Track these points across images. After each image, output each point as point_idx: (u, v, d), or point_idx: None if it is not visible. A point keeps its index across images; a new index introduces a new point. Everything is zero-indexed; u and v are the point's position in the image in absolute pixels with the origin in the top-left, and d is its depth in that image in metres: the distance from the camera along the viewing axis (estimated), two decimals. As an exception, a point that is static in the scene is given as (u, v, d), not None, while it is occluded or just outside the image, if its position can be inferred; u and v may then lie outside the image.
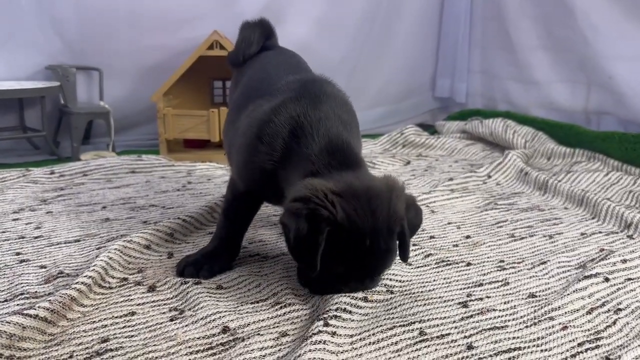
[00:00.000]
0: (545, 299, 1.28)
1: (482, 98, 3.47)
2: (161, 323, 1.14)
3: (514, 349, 1.07)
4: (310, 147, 1.20)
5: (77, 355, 1.02)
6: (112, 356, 1.02)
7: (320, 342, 1.02)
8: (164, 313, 1.19)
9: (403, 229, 1.16)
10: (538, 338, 1.11)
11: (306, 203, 1.10)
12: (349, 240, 1.10)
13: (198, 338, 1.08)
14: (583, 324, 1.17)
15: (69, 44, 2.69)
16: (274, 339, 1.08)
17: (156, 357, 1.02)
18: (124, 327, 1.13)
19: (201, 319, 1.15)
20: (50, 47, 2.67)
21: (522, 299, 1.27)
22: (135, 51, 2.79)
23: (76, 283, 1.21)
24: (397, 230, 1.15)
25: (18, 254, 1.46)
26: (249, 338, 1.07)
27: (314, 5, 3.16)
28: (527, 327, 1.15)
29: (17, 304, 1.19)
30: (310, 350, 0.99)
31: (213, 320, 1.14)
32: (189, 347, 1.06)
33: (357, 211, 1.11)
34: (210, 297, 1.24)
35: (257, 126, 1.25)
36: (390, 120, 3.43)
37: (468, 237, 1.64)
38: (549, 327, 1.15)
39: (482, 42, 3.45)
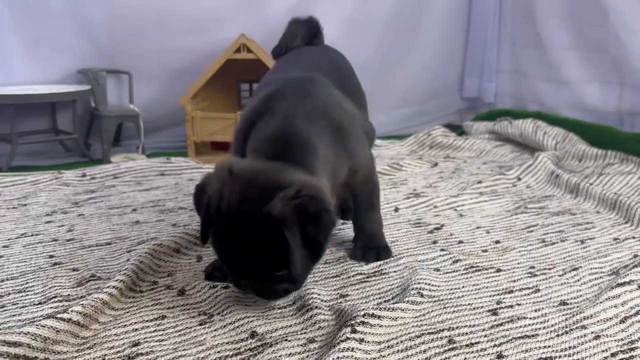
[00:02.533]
0: (577, 306, 1.25)
1: (512, 98, 3.42)
2: (190, 327, 1.16)
3: (545, 359, 1.05)
4: (256, 139, 1.24)
5: (108, 358, 1.04)
6: (143, 360, 1.03)
7: (348, 349, 1.02)
8: (193, 317, 1.20)
9: (280, 231, 1.05)
10: (569, 347, 1.09)
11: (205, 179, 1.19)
12: (214, 220, 1.12)
13: (227, 343, 1.09)
14: (616, 333, 1.14)
15: (100, 47, 2.74)
16: (301, 345, 1.08)
17: (187, 358, 1.03)
18: (154, 330, 1.14)
19: (229, 323, 1.16)
20: (81, 51, 2.72)
21: (553, 306, 1.25)
22: (163, 54, 2.83)
23: (108, 287, 1.23)
24: (270, 229, 1.06)
25: (51, 256, 1.50)
26: (277, 344, 1.08)
27: (342, 6, 3.16)
28: (558, 336, 1.13)
29: (51, 307, 1.21)
30: (338, 358, 0.99)
31: (241, 325, 1.15)
32: (218, 351, 1.07)
33: (226, 193, 1.10)
34: (238, 301, 1.25)
35: (240, 120, 1.35)
36: (416, 121, 3.41)
37: (497, 242, 1.62)
38: (581, 337, 1.12)
39: (511, 41, 3.40)
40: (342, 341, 1.04)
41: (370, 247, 1.47)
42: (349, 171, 1.35)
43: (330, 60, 1.63)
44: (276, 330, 1.14)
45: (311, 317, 1.18)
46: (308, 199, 1.09)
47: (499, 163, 2.64)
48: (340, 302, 1.25)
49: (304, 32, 1.74)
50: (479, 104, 3.60)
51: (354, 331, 1.07)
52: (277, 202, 1.06)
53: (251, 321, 1.16)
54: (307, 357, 1.05)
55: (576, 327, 1.15)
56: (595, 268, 1.44)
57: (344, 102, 1.39)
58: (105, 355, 1.05)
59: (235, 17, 2.91)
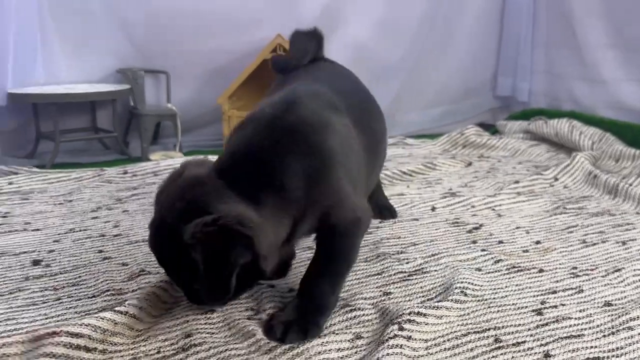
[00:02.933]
0: (622, 307, 1.25)
1: (546, 97, 3.39)
2: (239, 320, 1.18)
3: (593, 359, 1.06)
4: (225, 151, 1.18)
5: (163, 350, 1.08)
6: (197, 351, 1.07)
7: (396, 346, 1.04)
8: (240, 312, 1.23)
9: (185, 248, 1.02)
10: (617, 348, 1.09)
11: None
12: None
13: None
14: (664, 335, 1.14)
15: (138, 47, 2.80)
16: (349, 341, 1.10)
17: (238, 355, 1.06)
18: (205, 323, 1.18)
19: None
20: (120, 51, 2.79)
21: (598, 307, 1.25)
22: (199, 55, 2.88)
23: (160, 281, 1.27)
24: (182, 248, 1.02)
25: (100, 251, 1.55)
26: (325, 337, 1.10)
27: (374, 6, 3.18)
28: (604, 336, 1.13)
29: (104, 300, 1.26)
30: (388, 354, 1.01)
31: (287, 323, 1.18)
32: (268, 342, 1.09)
33: (161, 200, 1.13)
34: (283, 299, 1.28)
35: None
36: (449, 120, 3.41)
37: (538, 242, 1.62)
38: (628, 337, 1.12)
39: (546, 40, 3.37)
40: (390, 338, 1.06)
41: (296, 321, 1.13)
42: (317, 212, 1.13)
43: (352, 90, 1.47)
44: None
45: (355, 315, 1.20)
46: (222, 230, 1.01)
47: (534, 163, 2.62)
48: (384, 300, 1.27)
49: (314, 47, 1.59)
50: (512, 103, 3.58)
51: (401, 329, 1.09)
52: (191, 226, 1.02)
53: (297, 317, 1.19)
54: (355, 352, 1.07)
55: (623, 328, 1.15)
56: (639, 269, 1.43)
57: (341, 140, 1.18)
58: (160, 347, 1.09)
59: (271, 18, 2.94)
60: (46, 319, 1.19)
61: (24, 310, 1.22)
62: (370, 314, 1.20)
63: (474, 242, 1.61)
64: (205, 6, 2.86)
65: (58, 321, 1.15)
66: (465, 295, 1.26)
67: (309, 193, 1.10)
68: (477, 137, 2.91)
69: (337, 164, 1.14)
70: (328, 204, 1.13)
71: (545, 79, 3.39)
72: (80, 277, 1.39)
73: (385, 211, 1.82)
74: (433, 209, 1.90)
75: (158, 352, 1.07)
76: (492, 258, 1.49)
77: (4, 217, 1.82)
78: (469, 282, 1.32)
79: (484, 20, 3.48)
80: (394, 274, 1.40)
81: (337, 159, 1.14)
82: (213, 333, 1.14)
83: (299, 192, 1.09)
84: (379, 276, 1.40)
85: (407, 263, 1.46)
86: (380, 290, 1.32)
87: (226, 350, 1.07)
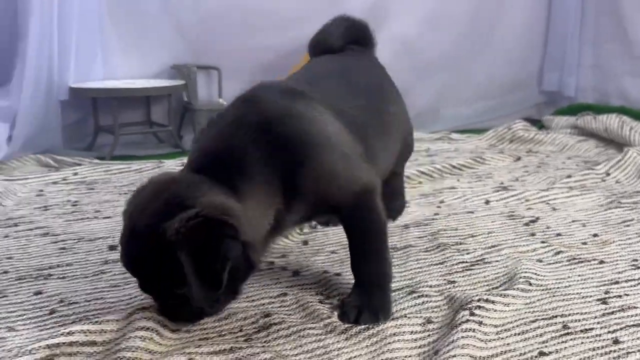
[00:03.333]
0: (687, 299, 1.26)
1: (594, 92, 3.37)
2: (311, 303, 1.24)
3: (662, 347, 1.08)
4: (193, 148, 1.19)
5: (245, 328, 1.15)
6: (278, 330, 1.13)
7: (469, 330, 1.08)
8: (311, 295, 1.29)
9: (168, 248, 0.98)
10: (685, 338, 1.11)
11: None
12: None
13: (348, 321, 1.17)
14: None
15: (192, 45, 2.89)
16: (420, 325, 1.15)
17: (316, 334, 1.12)
18: (280, 305, 1.24)
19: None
20: (174, 48, 2.89)
21: (663, 298, 1.27)
22: (249, 51, 2.96)
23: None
24: (165, 248, 0.98)
25: (171, 238, 1.62)
26: (397, 320, 1.15)
27: (420, 1, 3.20)
28: (672, 326, 1.15)
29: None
30: (462, 337, 1.05)
31: (357, 309, 1.23)
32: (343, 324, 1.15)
33: (133, 205, 1.08)
34: (350, 285, 1.33)
35: None
36: (494, 115, 3.40)
37: (596, 235, 1.63)
38: (696, 328, 1.14)
39: (594, 35, 3.34)
40: (463, 322, 1.10)
41: (366, 305, 1.16)
42: (307, 198, 1.13)
43: (349, 80, 1.40)
44: (392, 312, 1.21)
45: (423, 301, 1.24)
46: (207, 222, 0.99)
47: (583, 158, 2.62)
48: (449, 288, 1.31)
49: (341, 33, 1.57)
50: (558, 98, 3.55)
51: (472, 314, 1.13)
52: (174, 222, 0.98)
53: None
54: (427, 335, 1.12)
55: (690, 319, 1.17)
56: (701, 263, 1.44)
57: (316, 124, 1.18)
58: (242, 325, 1.16)
59: (317, 14, 2.97)
60: (130, 299, 1.27)
61: (109, 291, 1.30)
62: (438, 300, 1.25)
63: (532, 234, 1.63)
64: (254, 4, 2.94)
65: (143, 299, 1.22)
66: (530, 284, 1.30)
67: (288, 181, 1.10)
68: (525, 132, 2.92)
69: (314, 148, 1.12)
70: (319, 187, 1.12)
71: (593, 74, 3.36)
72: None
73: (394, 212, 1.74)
74: (487, 202, 1.93)
75: (240, 330, 1.14)
76: (552, 250, 1.51)
77: (74, 205, 1.93)
78: (532, 272, 1.35)
79: (529, 15, 3.47)
80: (456, 264, 1.44)
81: (311, 144, 1.12)
82: (290, 314, 1.20)
83: (275, 181, 1.09)
84: (441, 265, 1.44)
85: (467, 254, 1.50)
86: (445, 279, 1.36)
87: (304, 329, 1.13)
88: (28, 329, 1.15)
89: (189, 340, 1.10)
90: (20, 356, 0.96)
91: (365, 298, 1.17)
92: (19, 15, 2.47)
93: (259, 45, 2.95)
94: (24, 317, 1.19)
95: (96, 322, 1.07)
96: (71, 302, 1.25)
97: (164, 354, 1.04)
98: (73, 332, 1.03)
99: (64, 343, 1.00)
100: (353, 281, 1.33)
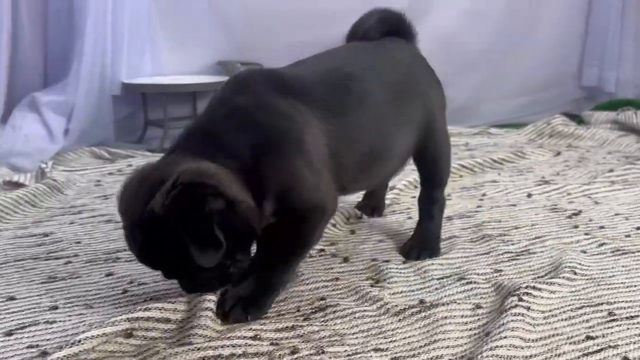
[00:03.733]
0: None
1: (635, 87, 3.34)
2: (363, 287, 1.31)
3: None
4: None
5: (303, 309, 1.22)
6: (334, 311, 1.20)
7: (518, 314, 1.13)
8: (362, 281, 1.36)
9: (170, 226, 1.03)
10: None
11: None
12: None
13: (398, 305, 1.23)
14: None
15: (236, 41, 2.99)
16: (470, 309, 1.21)
17: (370, 315, 1.19)
18: (333, 290, 1.31)
19: (398, 292, 1.30)
20: (220, 45, 2.98)
21: None
22: (290, 47, 3.01)
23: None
24: (160, 226, 1.03)
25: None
26: (448, 305, 1.21)
27: (460, -5, 3.23)
28: None
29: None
30: (511, 321, 1.11)
31: (408, 293, 1.29)
32: (395, 305, 1.22)
33: (123, 196, 1.13)
34: (399, 272, 1.40)
35: None
36: (532, 110, 3.41)
37: (639, 228, 1.66)
38: None
39: (635, 29, 3.31)
40: (512, 307, 1.15)
41: (244, 298, 1.18)
42: (274, 191, 1.14)
43: (361, 74, 1.34)
44: (442, 298, 1.27)
45: (472, 288, 1.30)
46: (186, 187, 1.03)
47: (624, 153, 2.62)
48: (496, 277, 1.36)
49: (375, 23, 1.53)
50: (598, 93, 3.54)
51: (520, 300, 1.18)
52: (157, 198, 1.03)
53: (416, 291, 1.31)
54: (477, 319, 1.18)
55: None
56: None
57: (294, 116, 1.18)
58: (299, 306, 1.23)
59: (357, 11, 3.04)
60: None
61: (174, 274, 1.39)
62: (486, 287, 1.30)
63: (576, 226, 1.67)
64: (296, 2, 3.01)
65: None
66: (575, 274, 1.34)
67: (261, 167, 1.12)
68: (564, 127, 2.92)
69: (284, 146, 1.14)
70: (283, 185, 1.14)
71: (635, 68, 3.34)
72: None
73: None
74: (529, 195, 1.97)
75: (298, 311, 1.22)
76: (595, 241, 1.55)
77: (132, 195, 2.03)
78: (577, 262, 1.39)
79: (569, 9, 3.46)
80: (502, 254, 1.49)
81: (284, 142, 1.14)
82: (343, 297, 1.28)
83: (250, 163, 1.11)
84: (487, 255, 1.49)
85: (512, 244, 1.54)
86: (491, 268, 1.41)
87: (359, 311, 1.20)
88: (104, 306, 1.25)
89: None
90: (105, 327, 1.06)
91: (250, 292, 1.18)
92: (75, 16, 2.60)
93: (300, 41, 3.01)
94: (99, 295, 1.30)
95: (170, 301, 1.16)
96: (140, 282, 1.35)
97: (231, 329, 1.12)
98: (150, 309, 1.12)
99: (141, 318, 1.09)
100: (402, 267, 1.40)
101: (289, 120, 1.17)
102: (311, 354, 1.05)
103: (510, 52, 3.35)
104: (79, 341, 1.02)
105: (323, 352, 1.06)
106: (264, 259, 1.21)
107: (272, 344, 1.08)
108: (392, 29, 1.54)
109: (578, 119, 3.24)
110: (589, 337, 1.10)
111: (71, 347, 1.01)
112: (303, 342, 1.09)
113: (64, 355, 0.99)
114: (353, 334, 1.13)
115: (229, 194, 1.07)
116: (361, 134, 1.29)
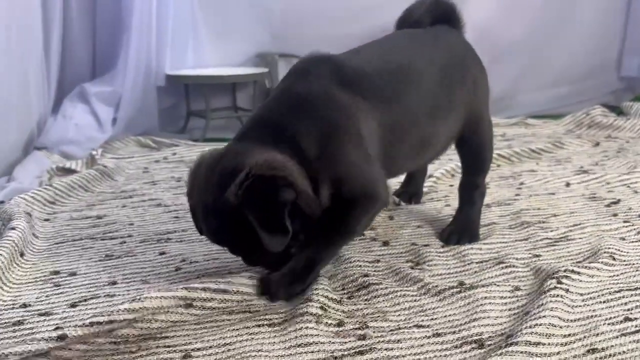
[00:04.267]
0: None
1: (677, 78, 3.28)
2: (403, 269, 1.35)
3: None
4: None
5: (347, 287, 1.28)
6: (376, 289, 1.25)
7: (557, 295, 1.17)
8: (403, 263, 1.41)
9: (236, 211, 1.11)
10: None
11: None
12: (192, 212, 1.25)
13: (438, 285, 1.27)
14: None
15: (275, 34, 3.05)
16: (509, 291, 1.24)
17: (411, 295, 1.24)
18: (374, 270, 1.36)
19: (437, 274, 1.34)
20: (259, 37, 3.05)
21: None
22: (326, 40, 3.05)
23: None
24: (234, 213, 1.11)
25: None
26: (487, 286, 1.25)
27: (498, -16, 3.22)
28: None
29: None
30: (550, 301, 1.14)
31: (447, 277, 1.33)
32: (436, 285, 1.26)
33: (194, 184, 1.22)
34: (439, 256, 1.44)
35: None
36: (571, 100, 3.38)
37: (680, 217, 1.66)
38: None
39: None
40: (551, 289, 1.19)
41: (283, 277, 1.24)
42: (329, 177, 1.22)
43: (411, 61, 1.38)
44: (481, 280, 1.31)
45: (511, 271, 1.33)
46: (260, 178, 1.11)
47: (665, 144, 2.59)
48: (535, 261, 1.39)
49: (425, 11, 1.55)
50: (638, 84, 3.48)
51: (559, 282, 1.21)
52: (232, 188, 1.11)
53: (456, 273, 1.35)
54: (516, 300, 1.21)
55: None
56: None
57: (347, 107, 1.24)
58: (343, 284, 1.29)
59: (394, 3, 3.06)
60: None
61: (222, 252, 1.45)
62: (525, 271, 1.33)
63: (615, 215, 1.68)
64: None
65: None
66: (614, 259, 1.36)
67: (319, 156, 1.19)
68: (603, 118, 2.90)
69: (343, 137, 1.21)
70: (339, 174, 1.21)
71: (677, 59, 3.28)
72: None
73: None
74: (567, 184, 1.98)
75: (343, 289, 1.28)
76: (634, 229, 1.56)
77: (178, 181, 2.12)
78: (615, 249, 1.41)
79: (609, -1, 3.42)
80: (540, 240, 1.52)
81: (343, 133, 1.21)
82: (384, 278, 1.33)
83: (309, 152, 1.18)
84: (526, 241, 1.52)
85: (551, 231, 1.57)
86: (530, 253, 1.44)
87: (400, 290, 1.25)
88: (159, 282, 1.33)
89: (299, 296, 1.25)
90: (165, 291, 1.13)
91: (289, 270, 1.23)
92: (122, 10, 2.71)
93: (338, 33, 3.06)
94: (154, 272, 1.38)
95: (224, 274, 1.22)
96: (192, 261, 1.42)
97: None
98: (206, 282, 1.19)
99: (199, 288, 1.17)
100: (441, 250, 1.44)
101: (346, 112, 1.23)
102: (355, 328, 1.11)
103: (548, 42, 3.33)
104: (140, 299, 1.10)
105: (367, 327, 1.11)
106: (312, 240, 1.26)
107: (321, 308, 1.15)
108: (442, 17, 1.56)
109: (617, 110, 3.21)
110: (627, 319, 1.13)
111: (131, 302, 1.09)
112: (347, 317, 1.15)
113: (126, 309, 1.07)
114: (395, 312, 1.18)
115: (298, 185, 1.15)
116: (413, 124, 1.35)
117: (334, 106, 1.23)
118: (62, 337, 1.01)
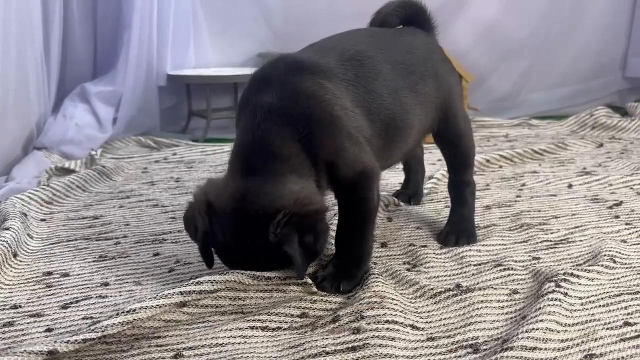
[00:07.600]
0: None
1: (683, 78, 3.24)
2: (399, 271, 1.33)
3: None
4: (233, 149, 1.30)
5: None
6: (374, 281, 1.24)
7: (555, 299, 1.14)
8: (399, 264, 1.39)
9: (283, 247, 1.15)
10: None
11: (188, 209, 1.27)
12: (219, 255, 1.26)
13: (434, 288, 1.25)
14: None
15: (276, 33, 3.04)
16: (507, 294, 1.22)
17: (407, 297, 1.22)
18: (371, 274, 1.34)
19: (434, 276, 1.32)
20: (261, 36, 3.04)
21: None
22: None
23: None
24: (271, 249, 1.16)
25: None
26: (484, 289, 1.23)
27: (503, -17, 3.19)
28: None
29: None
30: (548, 305, 1.12)
31: (444, 279, 1.31)
32: (431, 288, 1.24)
33: (218, 230, 1.20)
34: (436, 258, 1.42)
35: None
36: (575, 101, 3.35)
37: (683, 219, 1.64)
38: None
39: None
40: (549, 292, 1.16)
41: (331, 275, 1.28)
42: (323, 163, 1.25)
43: (370, 54, 1.37)
44: (478, 283, 1.29)
45: (509, 274, 1.31)
46: (299, 218, 1.16)
47: (670, 145, 2.56)
48: (534, 264, 1.37)
49: (393, 10, 1.54)
50: (643, 85, 3.45)
51: (558, 286, 1.19)
52: (271, 228, 1.14)
53: (453, 276, 1.33)
54: (514, 304, 1.19)
55: None
56: None
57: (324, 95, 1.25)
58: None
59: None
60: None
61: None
62: (523, 274, 1.31)
63: (617, 217, 1.66)
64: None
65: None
66: (615, 262, 1.34)
67: (309, 146, 1.21)
68: (607, 119, 2.87)
69: (330, 122, 1.22)
70: (329, 156, 1.23)
71: (683, 59, 3.24)
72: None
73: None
74: (570, 186, 1.95)
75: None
76: (636, 231, 1.53)
77: (177, 181, 2.11)
78: (616, 251, 1.38)
79: (615, -1, 3.38)
80: (540, 242, 1.50)
81: (325, 122, 1.22)
82: (381, 274, 1.30)
83: (303, 155, 1.21)
84: (525, 243, 1.50)
85: (551, 233, 1.54)
86: (529, 255, 1.42)
87: (395, 289, 1.23)
88: (152, 283, 1.31)
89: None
90: (158, 299, 1.11)
91: (336, 269, 1.28)
92: (123, 9, 2.70)
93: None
94: (147, 273, 1.36)
95: (222, 273, 1.20)
96: (186, 262, 1.41)
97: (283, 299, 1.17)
98: (201, 282, 1.17)
99: (194, 291, 1.15)
100: (439, 252, 1.42)
101: (319, 100, 1.23)
102: (351, 321, 1.10)
103: (552, 42, 3.29)
104: (134, 310, 1.07)
105: (362, 318, 1.10)
106: (343, 235, 1.29)
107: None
108: (411, 17, 1.56)
109: (622, 110, 3.17)
110: (627, 323, 1.10)
111: (126, 315, 1.06)
112: (342, 308, 1.13)
113: (119, 322, 1.05)
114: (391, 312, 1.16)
115: (324, 210, 1.23)
116: (381, 102, 1.33)
117: (303, 100, 1.22)
118: (52, 353, 0.97)
